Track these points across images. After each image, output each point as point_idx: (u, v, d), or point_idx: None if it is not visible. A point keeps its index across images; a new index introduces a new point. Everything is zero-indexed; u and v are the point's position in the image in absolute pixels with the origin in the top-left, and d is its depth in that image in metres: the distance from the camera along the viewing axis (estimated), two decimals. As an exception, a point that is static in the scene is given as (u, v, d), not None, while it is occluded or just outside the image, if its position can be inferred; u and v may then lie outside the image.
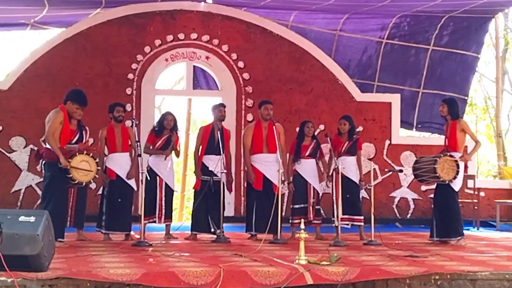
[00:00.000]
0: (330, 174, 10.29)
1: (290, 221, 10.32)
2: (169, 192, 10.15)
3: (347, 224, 10.24)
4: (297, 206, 10.32)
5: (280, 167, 9.46)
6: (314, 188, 10.31)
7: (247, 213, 10.15)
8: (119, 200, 9.73)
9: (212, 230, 9.96)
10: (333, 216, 9.99)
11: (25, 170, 13.02)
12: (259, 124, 10.07)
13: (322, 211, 10.66)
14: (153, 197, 9.98)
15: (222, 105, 10.37)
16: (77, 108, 8.86)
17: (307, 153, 10.34)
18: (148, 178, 9.78)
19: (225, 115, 10.23)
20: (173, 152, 10.27)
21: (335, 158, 9.99)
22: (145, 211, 9.78)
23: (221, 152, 9.71)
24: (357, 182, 10.28)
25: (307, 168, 10.32)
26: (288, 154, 10.40)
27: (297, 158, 10.34)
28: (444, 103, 9.92)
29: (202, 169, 10.00)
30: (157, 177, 10.03)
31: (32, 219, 6.04)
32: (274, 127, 9.83)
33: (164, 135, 10.12)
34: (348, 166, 10.21)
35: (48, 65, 13.23)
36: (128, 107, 12.95)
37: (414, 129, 15.10)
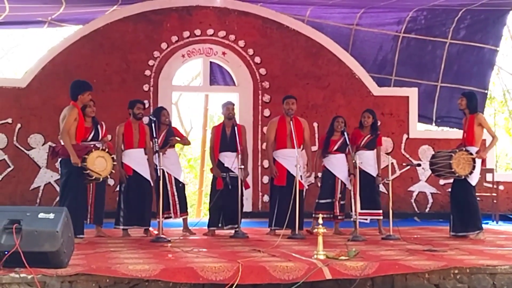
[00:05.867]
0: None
1: (314, 215, 10.29)
2: (180, 185, 10.16)
3: (366, 219, 10.22)
4: (322, 200, 10.30)
5: (298, 162, 9.44)
6: (341, 183, 10.27)
7: (270, 208, 10.13)
8: (137, 195, 9.75)
9: (220, 225, 10.00)
10: (351, 211, 9.98)
11: (43, 167, 13.09)
12: (283, 119, 10.04)
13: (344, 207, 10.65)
14: (165, 194, 9.97)
15: (229, 103, 10.32)
16: (88, 95, 8.78)
17: (335, 148, 10.28)
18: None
19: (233, 113, 10.13)
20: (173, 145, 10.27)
21: (353, 153, 9.97)
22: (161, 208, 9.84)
23: (236, 149, 9.72)
24: (375, 177, 10.24)
25: (336, 163, 10.28)
26: (317, 149, 10.37)
27: (325, 153, 10.32)
28: (463, 96, 9.87)
29: (218, 166, 10.01)
30: (166, 173, 10.00)
31: (52, 216, 6.09)
32: (295, 122, 9.80)
33: (162, 131, 10.09)
34: (366, 160, 10.16)
35: (66, 63, 13.27)
36: (146, 104, 12.96)
37: (433, 124, 15.02)
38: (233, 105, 10.28)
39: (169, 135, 10.11)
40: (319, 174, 10.41)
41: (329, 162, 10.32)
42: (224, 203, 9.88)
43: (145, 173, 9.78)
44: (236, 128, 9.92)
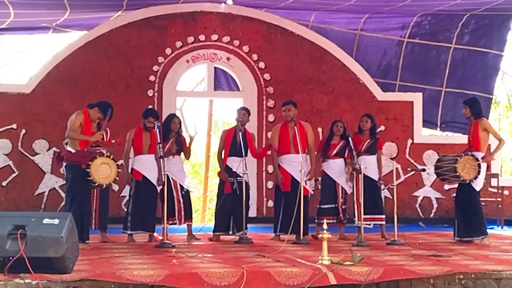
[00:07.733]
0: (351, 173, 10.25)
1: (316, 221, 10.29)
2: (184, 192, 10.16)
3: (369, 224, 10.20)
4: (324, 206, 10.28)
5: (302, 167, 9.43)
6: (342, 188, 10.28)
7: (275, 214, 10.11)
8: (145, 200, 9.76)
9: (231, 232, 9.98)
10: (355, 216, 9.99)
11: (48, 172, 13.10)
12: (285, 125, 10.05)
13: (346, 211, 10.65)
14: (171, 200, 9.97)
15: (242, 109, 10.32)
16: (99, 118, 8.89)
17: (334, 153, 10.29)
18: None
19: (246, 119, 10.13)
20: (182, 153, 10.26)
21: (356, 158, 9.96)
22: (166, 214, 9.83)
23: (243, 154, 9.73)
24: (377, 181, 10.23)
25: (335, 168, 10.28)
26: (316, 152, 10.38)
27: (324, 157, 10.32)
28: (465, 105, 9.90)
29: (226, 171, 10.01)
30: (171, 180, 10.01)
31: (56, 221, 6.09)
32: (298, 127, 9.78)
33: (170, 138, 10.10)
34: (368, 165, 10.13)
35: (70, 68, 13.30)
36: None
37: (438, 129, 15.00)
38: (245, 110, 10.25)
39: (177, 143, 10.11)
40: (319, 178, 10.41)
41: (328, 167, 10.32)
42: (234, 209, 9.87)
43: (154, 179, 9.80)
44: (245, 134, 9.92)
